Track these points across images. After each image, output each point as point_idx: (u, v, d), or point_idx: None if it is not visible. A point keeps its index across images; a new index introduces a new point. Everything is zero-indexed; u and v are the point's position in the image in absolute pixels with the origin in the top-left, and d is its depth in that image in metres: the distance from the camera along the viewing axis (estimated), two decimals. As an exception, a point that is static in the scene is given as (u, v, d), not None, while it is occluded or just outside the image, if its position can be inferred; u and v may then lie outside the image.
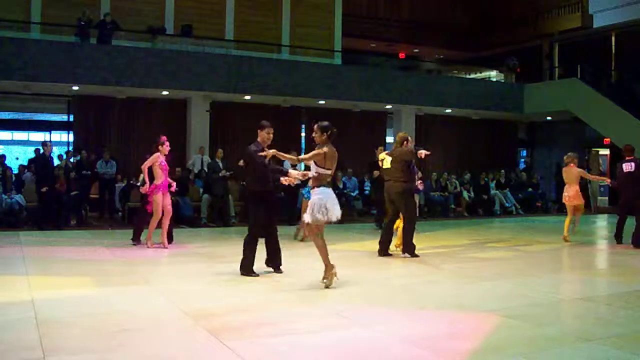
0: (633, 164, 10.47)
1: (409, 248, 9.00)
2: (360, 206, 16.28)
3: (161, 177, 9.44)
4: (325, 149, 6.57)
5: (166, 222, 9.56)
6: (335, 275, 6.68)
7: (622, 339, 4.87)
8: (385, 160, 9.19)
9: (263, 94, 16.07)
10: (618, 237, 10.54)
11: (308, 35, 18.67)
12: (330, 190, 6.72)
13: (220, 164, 13.70)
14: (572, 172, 11.10)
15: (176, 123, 15.91)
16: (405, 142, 9.12)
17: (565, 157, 11.29)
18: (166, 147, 9.56)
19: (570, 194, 11.07)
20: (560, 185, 20.07)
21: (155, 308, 5.77)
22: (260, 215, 7.22)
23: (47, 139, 18.45)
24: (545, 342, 4.73)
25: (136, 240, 9.89)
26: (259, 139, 7.35)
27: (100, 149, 15.01)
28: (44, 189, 11.93)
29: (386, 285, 7.07)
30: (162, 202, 9.43)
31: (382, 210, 13.31)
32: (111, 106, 15.75)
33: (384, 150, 13.04)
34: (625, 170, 10.55)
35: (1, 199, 12.29)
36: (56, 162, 13.49)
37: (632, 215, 10.31)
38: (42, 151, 12.47)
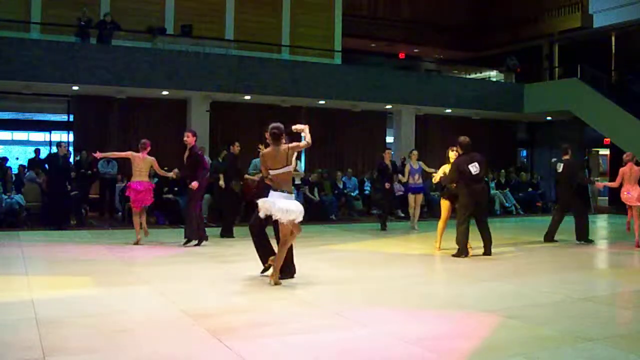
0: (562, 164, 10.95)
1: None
2: (360, 206, 16.28)
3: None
4: (265, 150, 6.75)
5: (143, 219, 10.17)
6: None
7: (622, 339, 4.87)
8: (469, 165, 9.19)
9: (263, 94, 16.06)
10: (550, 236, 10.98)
11: (308, 35, 18.66)
12: (273, 195, 6.62)
13: None
14: (634, 171, 10.41)
15: (176, 123, 15.90)
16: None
17: (624, 156, 10.70)
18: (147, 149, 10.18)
19: (635, 194, 10.28)
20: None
21: (155, 308, 5.77)
22: None
23: (47, 139, 18.47)
24: (545, 342, 4.73)
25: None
26: None
27: (100, 149, 15.01)
28: (50, 176, 12.22)
29: (386, 285, 7.06)
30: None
31: (386, 211, 13.29)
32: (111, 106, 15.75)
33: (392, 153, 13.10)
34: (558, 170, 11.09)
35: (1, 199, 12.30)
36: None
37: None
38: (55, 151, 12.56)
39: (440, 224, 9.79)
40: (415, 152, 13.06)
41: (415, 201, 13.01)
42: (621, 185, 10.48)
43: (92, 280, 6.95)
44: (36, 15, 15.39)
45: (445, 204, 9.77)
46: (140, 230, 10.05)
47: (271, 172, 6.69)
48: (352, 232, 12.68)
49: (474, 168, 9.10)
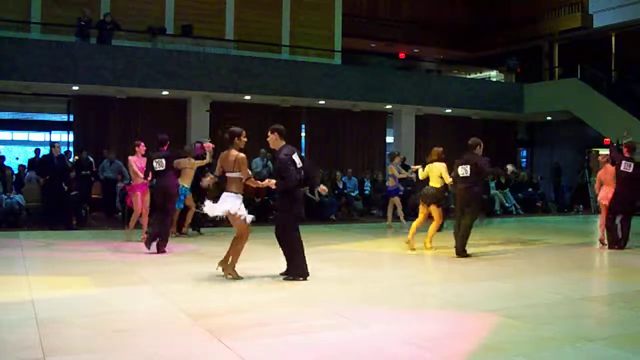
0: None
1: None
2: (360, 206, 16.27)
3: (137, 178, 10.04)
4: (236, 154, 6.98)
5: (145, 221, 10.19)
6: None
7: (622, 339, 4.87)
8: (459, 167, 9.15)
9: (263, 94, 16.06)
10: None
11: (308, 35, 18.64)
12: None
13: None
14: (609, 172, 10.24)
15: (176, 123, 15.90)
16: (478, 147, 9.30)
17: (600, 157, 10.57)
18: (142, 148, 10.13)
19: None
20: (558, 185, 20.19)
21: (155, 308, 5.77)
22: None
23: (47, 139, 18.46)
24: (546, 342, 4.73)
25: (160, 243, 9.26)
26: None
27: (99, 149, 15.03)
28: (46, 178, 12.20)
29: (386, 285, 7.06)
30: (139, 202, 10.06)
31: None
32: (111, 106, 15.74)
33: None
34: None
35: (1, 199, 12.30)
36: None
37: None
38: (49, 152, 12.56)
39: (415, 224, 9.81)
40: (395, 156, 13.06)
41: (394, 203, 12.92)
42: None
43: (92, 280, 6.95)
44: (36, 15, 15.37)
45: (424, 209, 9.70)
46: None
47: (227, 174, 6.97)
48: (352, 232, 12.68)
49: (462, 170, 9.14)
